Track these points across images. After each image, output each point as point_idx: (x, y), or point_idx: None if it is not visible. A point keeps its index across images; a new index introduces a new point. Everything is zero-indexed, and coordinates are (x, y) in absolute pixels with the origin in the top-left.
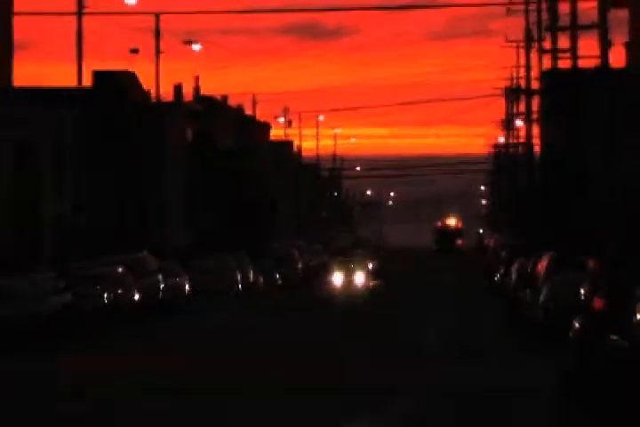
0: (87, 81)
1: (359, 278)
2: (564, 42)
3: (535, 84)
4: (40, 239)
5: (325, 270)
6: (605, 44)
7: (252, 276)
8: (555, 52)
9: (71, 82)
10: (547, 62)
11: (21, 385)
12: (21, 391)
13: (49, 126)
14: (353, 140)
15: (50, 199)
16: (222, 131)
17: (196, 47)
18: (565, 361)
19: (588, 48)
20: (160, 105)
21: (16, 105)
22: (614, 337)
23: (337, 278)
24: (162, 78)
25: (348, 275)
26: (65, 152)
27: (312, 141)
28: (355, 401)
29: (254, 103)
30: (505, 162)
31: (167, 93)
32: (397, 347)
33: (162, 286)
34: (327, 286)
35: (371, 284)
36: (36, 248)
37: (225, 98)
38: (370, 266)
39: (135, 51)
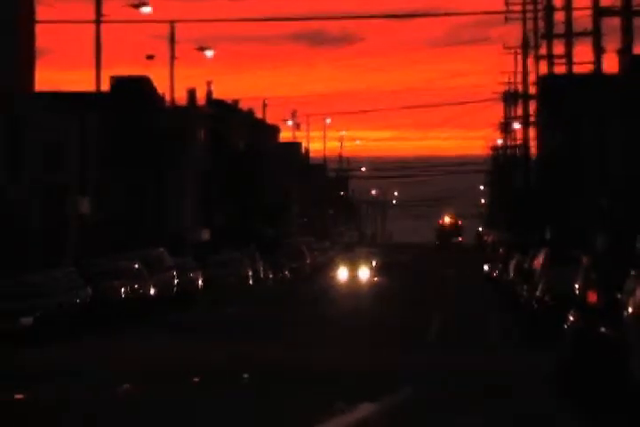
0: (104, 86)
1: (363, 274)
2: (559, 48)
3: (532, 89)
4: (66, 237)
5: (332, 266)
6: (599, 51)
7: (262, 271)
8: (551, 59)
9: (89, 87)
10: (543, 68)
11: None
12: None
13: (74, 129)
14: (358, 142)
15: (75, 198)
16: (234, 133)
17: (209, 53)
18: (561, 351)
19: (583, 54)
20: (176, 109)
21: (43, 110)
22: (606, 329)
23: (342, 274)
24: (176, 83)
25: (353, 270)
26: (89, 153)
27: (319, 143)
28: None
29: (264, 107)
30: (503, 163)
31: (181, 98)
32: (405, 335)
33: (176, 281)
34: (333, 280)
35: (375, 279)
36: (63, 245)
37: (236, 102)
38: (374, 262)
39: (151, 57)
